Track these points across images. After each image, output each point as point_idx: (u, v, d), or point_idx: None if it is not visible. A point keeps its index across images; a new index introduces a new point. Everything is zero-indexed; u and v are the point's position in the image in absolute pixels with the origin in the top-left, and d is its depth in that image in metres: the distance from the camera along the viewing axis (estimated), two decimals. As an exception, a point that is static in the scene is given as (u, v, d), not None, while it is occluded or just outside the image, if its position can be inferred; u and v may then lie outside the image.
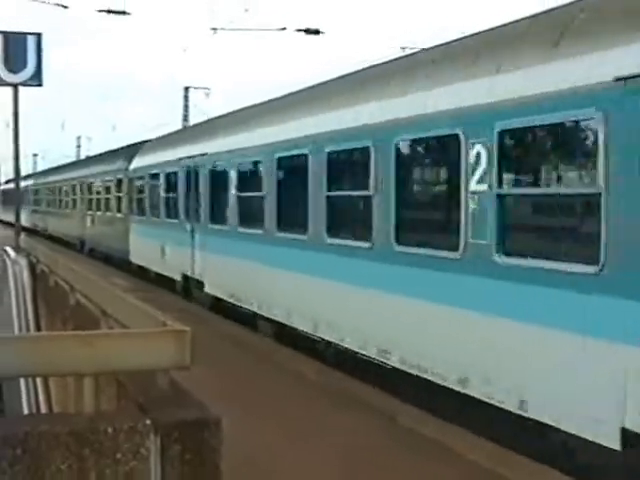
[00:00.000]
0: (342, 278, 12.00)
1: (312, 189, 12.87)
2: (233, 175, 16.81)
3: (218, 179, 17.94)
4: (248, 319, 16.16)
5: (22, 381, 13.38)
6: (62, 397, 10.50)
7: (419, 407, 9.96)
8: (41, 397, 12.86)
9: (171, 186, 22.02)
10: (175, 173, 21.43)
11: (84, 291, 10.41)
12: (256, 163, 15.72)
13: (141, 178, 26.00)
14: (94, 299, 9.39)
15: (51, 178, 51.37)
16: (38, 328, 15.65)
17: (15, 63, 21.53)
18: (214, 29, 36.33)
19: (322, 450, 8.47)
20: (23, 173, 47.60)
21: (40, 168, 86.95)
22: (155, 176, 23.88)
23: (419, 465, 7.99)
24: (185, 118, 61.48)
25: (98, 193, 34.68)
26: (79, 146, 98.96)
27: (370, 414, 9.73)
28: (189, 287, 20.53)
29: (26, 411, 13.03)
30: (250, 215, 15.89)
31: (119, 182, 30.16)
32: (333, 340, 12.32)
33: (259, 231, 15.03)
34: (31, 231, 49.49)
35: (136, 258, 26.72)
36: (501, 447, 8.38)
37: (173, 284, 21.89)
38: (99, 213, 34.33)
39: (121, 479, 5.00)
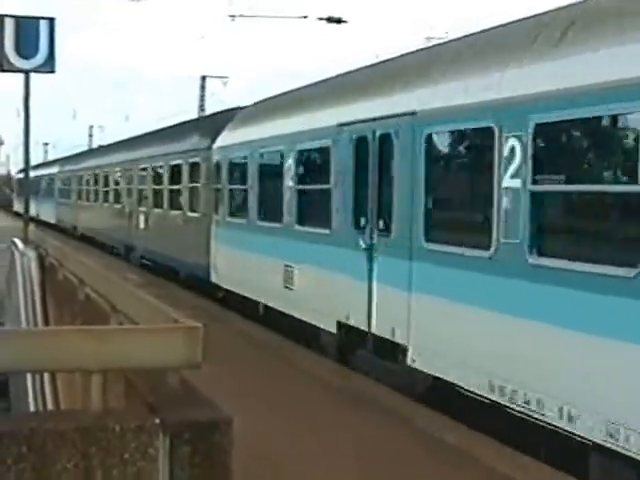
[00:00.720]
0: None
1: None
2: (514, 148, 8.73)
3: (449, 159, 11.06)
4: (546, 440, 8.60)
5: (29, 377, 13.52)
6: (69, 394, 10.60)
7: None
8: (48, 394, 12.99)
9: (312, 171, 14.77)
10: (323, 150, 13.87)
11: (94, 286, 10.52)
12: (591, 122, 8.13)
13: (236, 161, 18.48)
14: (104, 294, 9.50)
15: (85, 164, 42.14)
16: (46, 323, 15.78)
17: (27, 49, 21.37)
18: (232, 16, 36.35)
19: (337, 449, 8.53)
20: (33, 163, 46.69)
21: (51, 157, 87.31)
22: (271, 156, 16.34)
23: (445, 473, 8.06)
24: (202, 108, 61.72)
25: (156, 183, 26.82)
26: (91, 135, 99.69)
27: (386, 417, 9.77)
28: (353, 346, 12.72)
29: (32, 408, 13.16)
30: (569, 232, 8.66)
31: (193, 167, 22.78)
32: None
33: (605, 269, 7.49)
34: (56, 228, 45.90)
35: (224, 280, 18.97)
36: (526, 455, 8.39)
37: (307, 330, 14.07)
38: (158, 210, 26.36)
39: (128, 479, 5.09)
